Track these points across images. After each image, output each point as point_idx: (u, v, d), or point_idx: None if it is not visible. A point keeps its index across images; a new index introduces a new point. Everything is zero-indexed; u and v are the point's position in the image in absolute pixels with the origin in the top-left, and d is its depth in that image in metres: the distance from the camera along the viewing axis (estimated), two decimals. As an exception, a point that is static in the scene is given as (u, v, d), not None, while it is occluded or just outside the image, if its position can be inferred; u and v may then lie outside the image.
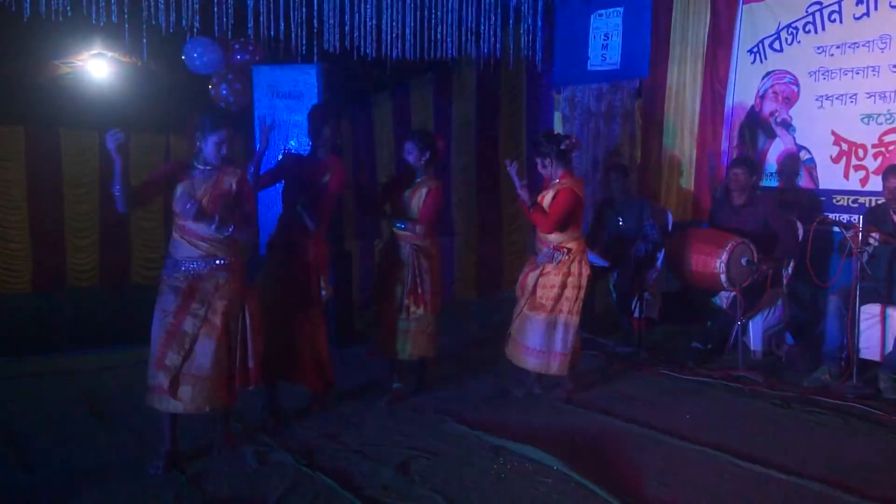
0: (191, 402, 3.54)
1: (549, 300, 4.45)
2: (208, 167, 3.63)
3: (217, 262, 3.61)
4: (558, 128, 7.95)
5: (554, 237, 4.55)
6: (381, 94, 8.33)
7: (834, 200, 5.61)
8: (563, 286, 4.46)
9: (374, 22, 5.58)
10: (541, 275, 4.52)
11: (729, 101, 6.34)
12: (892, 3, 5.32)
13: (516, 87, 8.12)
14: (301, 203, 4.08)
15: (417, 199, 4.46)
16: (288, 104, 5.66)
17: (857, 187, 5.48)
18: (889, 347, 4.70)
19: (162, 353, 3.54)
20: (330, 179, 4.19)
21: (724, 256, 5.08)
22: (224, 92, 5.96)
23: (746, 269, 5.08)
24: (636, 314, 5.69)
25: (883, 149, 5.37)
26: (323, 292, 4.21)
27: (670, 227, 6.23)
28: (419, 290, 4.42)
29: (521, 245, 8.00)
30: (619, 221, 6.10)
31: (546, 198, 4.56)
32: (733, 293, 5.16)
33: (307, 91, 5.62)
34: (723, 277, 5.10)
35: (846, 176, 5.54)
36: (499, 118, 8.21)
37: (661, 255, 5.95)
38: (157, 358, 3.54)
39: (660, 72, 6.79)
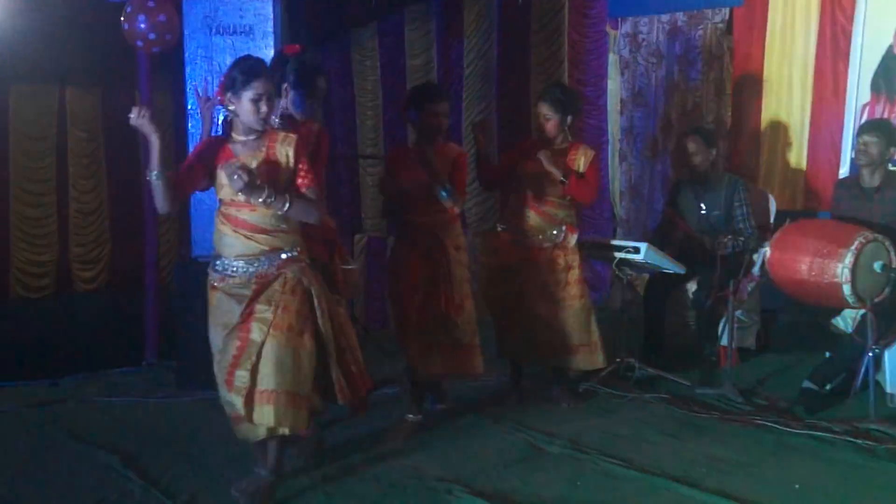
0: (276, 421, 3.83)
1: (573, 286, 5.25)
2: (251, 136, 3.91)
3: (283, 255, 3.93)
4: (614, 76, 7.98)
5: (563, 214, 5.28)
6: (363, 31, 8.36)
7: None
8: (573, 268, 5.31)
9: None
10: (542, 261, 5.25)
11: (857, 40, 6.36)
12: None
13: (554, 19, 8.15)
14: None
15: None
16: (232, 43, 5.69)
17: None
18: None
19: (231, 374, 3.86)
20: (320, 146, 4.48)
21: (849, 259, 5.05)
22: (141, 26, 6.00)
23: (882, 278, 5.07)
24: (724, 341, 5.69)
25: None
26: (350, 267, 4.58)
27: (772, 219, 6.25)
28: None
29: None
30: (701, 209, 6.11)
31: (573, 162, 5.25)
32: (862, 312, 5.15)
33: (259, 25, 5.64)
34: (847, 289, 5.08)
35: None
36: (529, 63, 8.24)
37: (759, 258, 5.96)
38: (227, 381, 3.87)
39: (759, -2, 6.83)
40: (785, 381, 5.77)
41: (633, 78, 7.66)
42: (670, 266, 5.68)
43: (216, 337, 3.94)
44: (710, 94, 7.12)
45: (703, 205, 6.10)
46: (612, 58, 7.94)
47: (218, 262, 3.95)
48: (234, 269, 3.91)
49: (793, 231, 5.40)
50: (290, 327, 3.86)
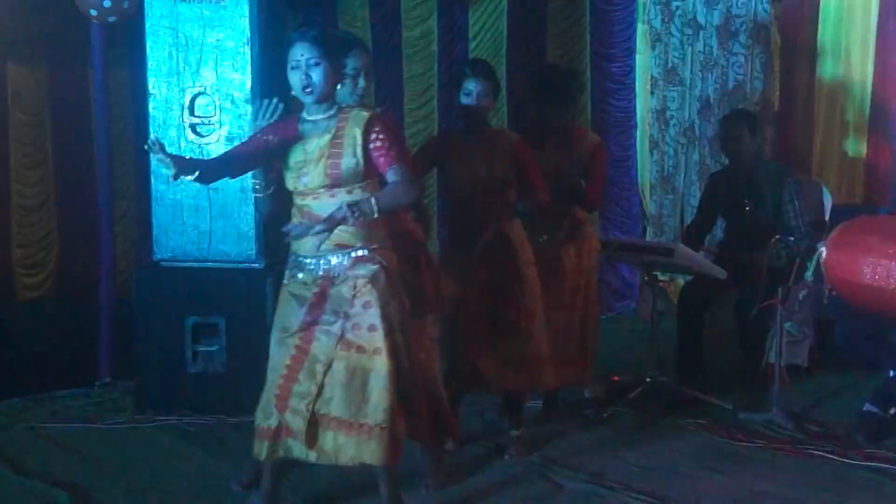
0: (334, 452, 3.93)
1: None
2: (320, 115, 4.03)
3: (354, 253, 4.01)
4: (643, 49, 7.97)
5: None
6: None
7: None
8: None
9: None
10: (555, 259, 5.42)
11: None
12: None
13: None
14: None
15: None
16: (201, 12, 5.68)
17: None
18: None
19: (285, 389, 3.97)
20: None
21: (920, 263, 5.06)
22: (96, -9, 5.99)
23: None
24: (771, 358, 5.68)
25: None
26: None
27: (828, 215, 6.24)
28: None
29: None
30: (746, 205, 6.11)
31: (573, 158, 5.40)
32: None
33: (235, -10, 5.66)
34: (916, 297, 5.08)
35: None
36: (544, 35, 8.24)
37: (812, 261, 5.96)
38: (279, 395, 3.98)
39: (812, -41, 6.83)
40: (842, 404, 5.77)
41: (666, 52, 7.68)
42: (709, 270, 5.67)
43: (273, 338, 4.08)
44: (755, 71, 7.13)
45: (746, 201, 6.10)
46: (642, 28, 7.95)
47: (290, 259, 4.11)
48: (302, 265, 4.05)
49: (853, 229, 5.40)
50: (361, 348, 3.94)
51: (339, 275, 4.00)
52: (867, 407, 5.39)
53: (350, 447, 3.91)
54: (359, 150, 3.96)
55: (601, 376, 6.01)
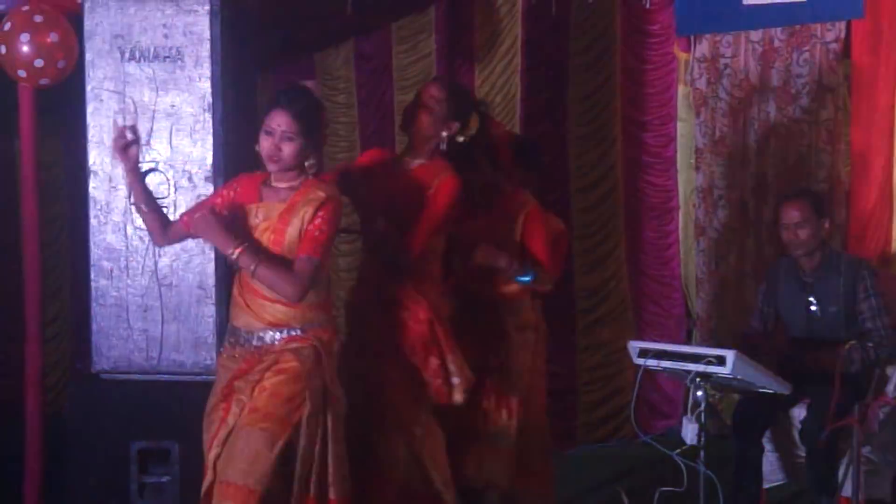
0: None
1: None
2: (283, 184, 4.61)
3: (288, 333, 4.55)
4: (686, 116, 8.05)
5: None
6: (333, 54, 8.45)
7: None
8: None
9: None
10: None
11: None
12: None
13: (602, 38, 8.24)
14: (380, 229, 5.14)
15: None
16: (153, 73, 5.73)
17: None
18: None
19: (209, 445, 4.55)
20: (439, 189, 5.14)
21: None
22: (24, 49, 6.05)
23: None
24: (847, 491, 5.67)
25: None
26: (454, 379, 5.14)
27: (915, 316, 6.27)
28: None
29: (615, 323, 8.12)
30: (811, 305, 6.14)
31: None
32: None
33: (190, 48, 5.67)
34: None
35: None
36: (565, 97, 8.31)
37: (895, 373, 5.97)
38: (206, 464, 4.54)
39: (887, 6, 6.91)
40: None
41: (713, 119, 7.73)
42: (769, 384, 5.68)
43: (208, 406, 4.63)
44: (822, 142, 7.19)
45: (812, 298, 6.13)
46: (684, 91, 8.02)
47: (228, 330, 4.69)
48: (237, 335, 4.61)
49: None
50: (255, 409, 4.44)
51: (269, 351, 4.54)
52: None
53: None
54: (302, 231, 4.49)
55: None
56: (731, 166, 7.64)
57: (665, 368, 6.09)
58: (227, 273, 5.48)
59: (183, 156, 5.61)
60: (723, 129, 7.70)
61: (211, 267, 5.50)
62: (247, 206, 4.59)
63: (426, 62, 8.23)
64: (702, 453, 5.80)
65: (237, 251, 4.40)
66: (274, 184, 4.62)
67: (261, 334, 4.57)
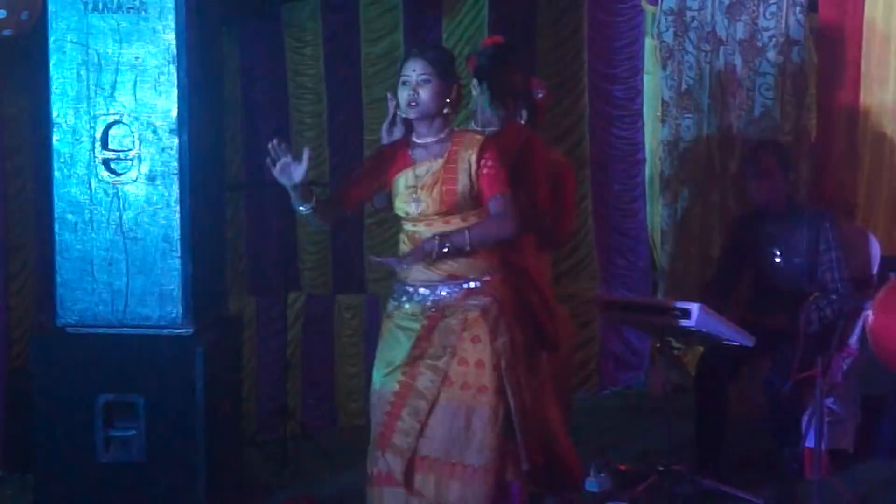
0: (435, 497, 4.45)
1: None
2: (431, 137, 4.66)
3: (466, 285, 4.60)
4: (652, 69, 8.04)
5: None
6: (300, 7, 8.40)
7: None
8: None
9: None
10: None
11: None
12: None
13: (570, -10, 8.22)
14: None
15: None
16: (117, 25, 5.68)
17: None
18: None
19: (389, 427, 4.51)
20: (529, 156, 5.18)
21: None
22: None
23: None
24: (809, 442, 5.71)
25: None
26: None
27: (875, 269, 6.29)
28: None
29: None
30: (776, 256, 6.16)
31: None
32: None
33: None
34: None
35: None
36: (534, 53, 8.29)
37: (858, 326, 6.00)
38: (381, 433, 4.54)
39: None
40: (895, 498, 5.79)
41: (680, 72, 7.72)
42: (733, 336, 5.70)
43: (376, 374, 4.64)
44: (787, 94, 7.19)
45: (777, 250, 6.15)
46: (651, 44, 8.01)
47: (396, 287, 4.72)
48: (410, 294, 4.65)
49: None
50: (467, 385, 4.47)
51: (449, 307, 4.57)
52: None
53: (453, 490, 4.42)
54: (473, 176, 4.58)
55: (604, 465, 6.02)
56: (696, 119, 7.64)
57: (630, 321, 6.13)
58: (192, 227, 5.47)
59: (147, 108, 5.54)
60: (689, 81, 7.69)
61: (176, 220, 5.46)
62: (401, 173, 4.69)
63: (393, 14, 8.19)
64: (666, 405, 5.86)
65: (445, 246, 4.49)
66: (421, 141, 4.69)
67: (437, 289, 4.62)
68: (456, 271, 4.59)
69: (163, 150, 5.50)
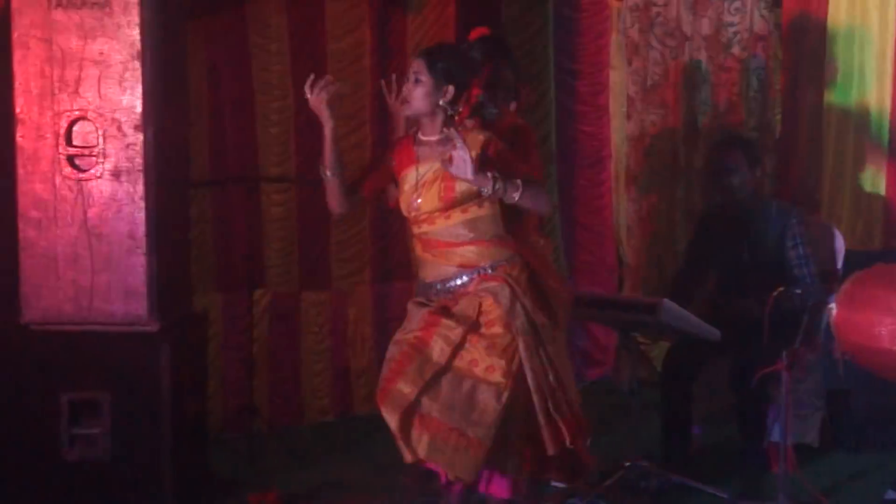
0: (430, 456, 4.57)
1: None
2: (435, 136, 4.86)
3: (480, 271, 4.78)
4: (618, 65, 8.04)
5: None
6: (264, 3, 8.38)
7: None
8: None
9: None
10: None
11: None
12: None
13: (535, -14, 8.22)
14: None
15: None
16: (81, 20, 5.64)
17: None
18: None
19: (390, 381, 4.62)
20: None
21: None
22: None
23: None
24: (775, 436, 5.72)
25: None
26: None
27: (840, 264, 6.31)
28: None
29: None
30: (742, 251, 6.17)
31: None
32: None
33: (121, -8, 5.63)
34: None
35: None
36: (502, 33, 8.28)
37: (822, 320, 6.02)
38: (382, 387, 4.64)
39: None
40: (861, 491, 5.82)
41: (645, 67, 7.75)
42: (699, 331, 5.71)
43: (393, 342, 4.78)
44: (752, 90, 7.22)
45: (742, 246, 6.17)
46: (616, 40, 8.02)
47: (419, 285, 5.03)
48: (428, 290, 4.89)
49: (868, 280, 5.45)
50: (475, 361, 4.61)
51: (464, 295, 4.76)
52: (891, 495, 5.45)
53: (444, 453, 4.54)
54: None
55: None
56: (662, 114, 7.66)
57: (596, 316, 6.12)
58: (157, 223, 5.44)
59: (112, 104, 5.49)
60: (654, 77, 7.71)
61: (141, 216, 5.42)
62: (407, 171, 4.87)
63: (359, 10, 8.17)
64: (633, 400, 5.86)
65: (497, 182, 4.61)
66: (425, 138, 4.88)
67: (454, 279, 4.81)
68: (468, 261, 4.79)
69: (127, 146, 5.44)
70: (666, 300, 5.60)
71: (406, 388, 4.56)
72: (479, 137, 4.76)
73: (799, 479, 5.73)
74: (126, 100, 5.47)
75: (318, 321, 7.91)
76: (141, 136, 5.43)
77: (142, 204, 5.42)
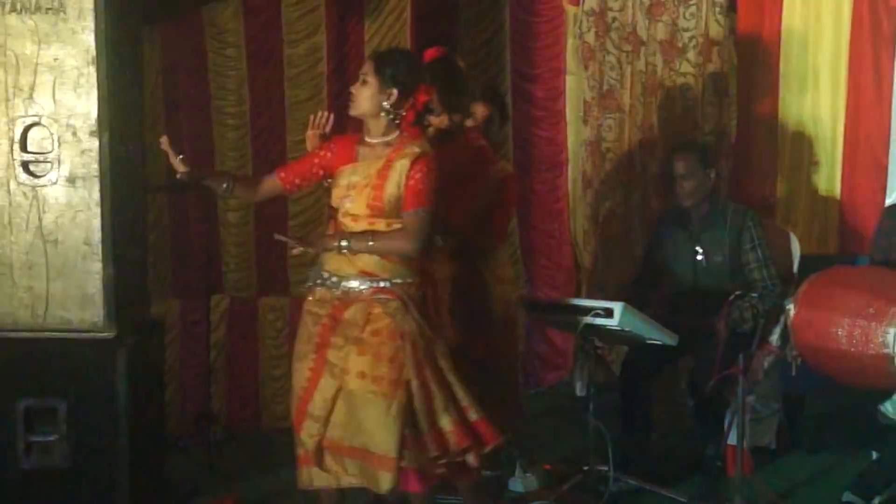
0: (337, 476, 4.77)
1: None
2: (379, 140, 4.90)
3: (377, 283, 4.78)
4: (574, 70, 8.05)
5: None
6: (221, 8, 8.35)
7: None
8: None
9: None
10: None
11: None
12: None
13: (491, -9, 8.22)
14: None
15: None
16: (35, 26, 5.59)
17: None
18: None
19: (301, 411, 4.76)
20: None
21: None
22: None
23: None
24: (732, 439, 5.74)
25: None
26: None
27: (796, 267, 6.34)
28: None
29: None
30: (697, 255, 6.19)
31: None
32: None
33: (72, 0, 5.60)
34: (900, 363, 5.14)
35: None
36: (456, 44, 8.27)
37: (779, 323, 6.04)
38: (296, 416, 4.79)
39: (771, -37, 6.96)
40: (818, 494, 5.84)
41: (601, 72, 7.73)
42: (656, 335, 5.72)
43: (294, 357, 4.91)
44: (708, 95, 7.22)
45: (699, 248, 6.18)
46: (573, 44, 8.01)
47: (313, 271, 4.96)
48: (323, 280, 4.86)
49: (824, 282, 5.47)
50: (362, 374, 4.61)
51: (355, 299, 4.77)
52: (847, 497, 5.47)
53: (352, 469, 4.69)
54: (402, 186, 4.74)
55: (529, 464, 6.02)
56: (618, 119, 7.66)
57: (554, 321, 6.12)
58: (113, 229, 5.42)
59: (67, 110, 5.47)
60: (610, 82, 7.71)
61: (97, 223, 5.39)
62: (343, 167, 4.87)
63: (315, 15, 8.16)
64: (590, 404, 5.87)
65: (346, 243, 4.73)
66: (369, 140, 4.91)
67: (350, 281, 4.80)
68: (371, 269, 4.77)
69: (83, 152, 5.43)
70: (623, 304, 5.60)
71: (314, 420, 4.72)
72: (415, 150, 4.80)
73: (756, 482, 5.75)
74: (81, 105, 5.45)
75: (276, 326, 7.89)
76: (96, 142, 5.41)
77: (98, 210, 5.40)
